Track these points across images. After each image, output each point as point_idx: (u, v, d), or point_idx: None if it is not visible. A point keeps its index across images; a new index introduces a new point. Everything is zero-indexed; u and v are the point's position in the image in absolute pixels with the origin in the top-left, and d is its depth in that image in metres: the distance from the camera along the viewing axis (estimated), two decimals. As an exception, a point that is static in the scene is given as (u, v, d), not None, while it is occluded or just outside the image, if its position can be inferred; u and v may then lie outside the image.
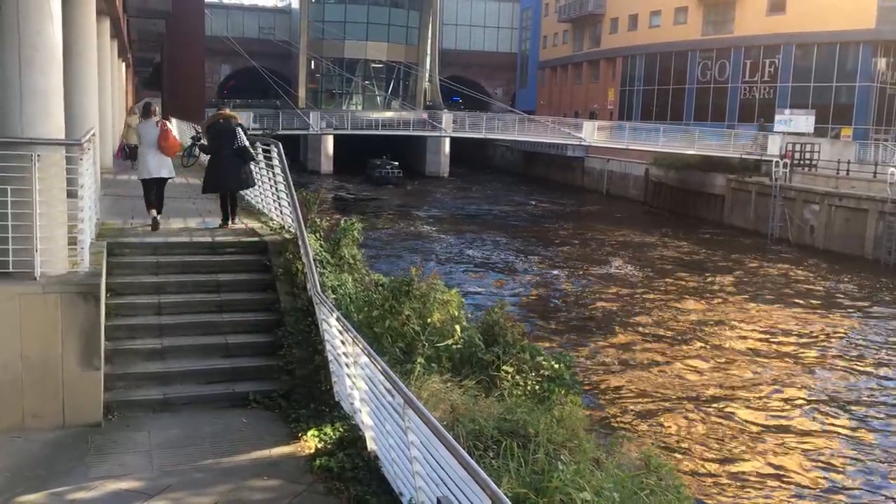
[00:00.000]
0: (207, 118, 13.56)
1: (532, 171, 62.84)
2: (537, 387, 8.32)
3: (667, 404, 14.60)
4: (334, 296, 9.22)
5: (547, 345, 15.37)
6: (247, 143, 11.73)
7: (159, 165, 11.70)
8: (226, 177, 11.73)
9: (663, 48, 54.21)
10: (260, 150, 12.51)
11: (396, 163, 54.01)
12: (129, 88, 39.80)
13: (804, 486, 11.63)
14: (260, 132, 36.90)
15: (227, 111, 12.14)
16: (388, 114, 60.26)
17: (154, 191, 11.68)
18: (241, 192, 12.56)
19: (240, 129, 11.68)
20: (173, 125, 16.19)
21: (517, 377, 8.31)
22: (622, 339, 18.88)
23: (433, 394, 7.08)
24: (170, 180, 12.07)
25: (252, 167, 12.09)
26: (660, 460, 7.12)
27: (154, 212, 11.41)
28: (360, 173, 55.62)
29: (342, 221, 11.77)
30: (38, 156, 7.11)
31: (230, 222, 11.73)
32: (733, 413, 14.32)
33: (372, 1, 67.89)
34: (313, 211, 12.00)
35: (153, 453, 6.88)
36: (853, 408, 14.87)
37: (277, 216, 11.69)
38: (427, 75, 70.11)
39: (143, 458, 6.78)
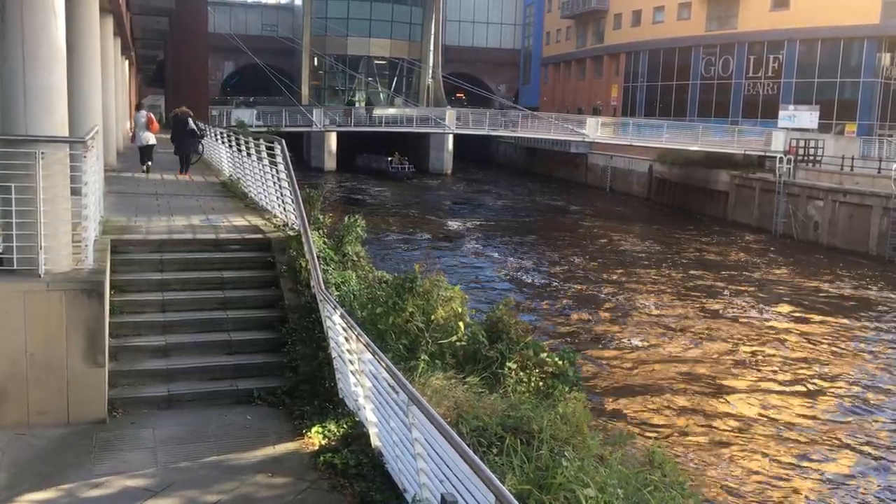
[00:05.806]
0: (172, 112, 22.46)
1: (535, 167, 62.74)
2: (541, 383, 8.27)
3: (672, 401, 14.58)
4: (338, 293, 9.22)
5: (552, 341, 15.36)
6: (193, 127, 19.96)
7: (147, 137, 20.08)
8: (183, 147, 20.02)
9: (667, 44, 54.05)
10: (263, 148, 12.71)
11: (407, 158, 54.73)
12: (132, 86, 39.77)
13: (808, 487, 11.61)
14: (265, 129, 36.94)
15: (184, 108, 20.63)
16: (392, 110, 60.20)
17: (146, 153, 20.01)
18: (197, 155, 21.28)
19: (190, 119, 19.99)
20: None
21: (521, 374, 8.28)
22: (627, 335, 18.85)
23: (437, 390, 7.07)
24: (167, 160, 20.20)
25: (200, 141, 20.98)
26: (664, 457, 7.11)
27: (145, 166, 19.78)
28: (363, 170, 55.96)
29: (346, 218, 11.79)
30: (42, 153, 7.12)
31: (187, 173, 19.50)
32: (739, 411, 14.30)
33: (375, -3, 67.84)
34: (316, 208, 12.01)
35: (158, 450, 6.89)
36: (862, 405, 14.83)
37: (281, 213, 11.71)
38: (430, 72, 69.96)
39: (148, 455, 6.79)
